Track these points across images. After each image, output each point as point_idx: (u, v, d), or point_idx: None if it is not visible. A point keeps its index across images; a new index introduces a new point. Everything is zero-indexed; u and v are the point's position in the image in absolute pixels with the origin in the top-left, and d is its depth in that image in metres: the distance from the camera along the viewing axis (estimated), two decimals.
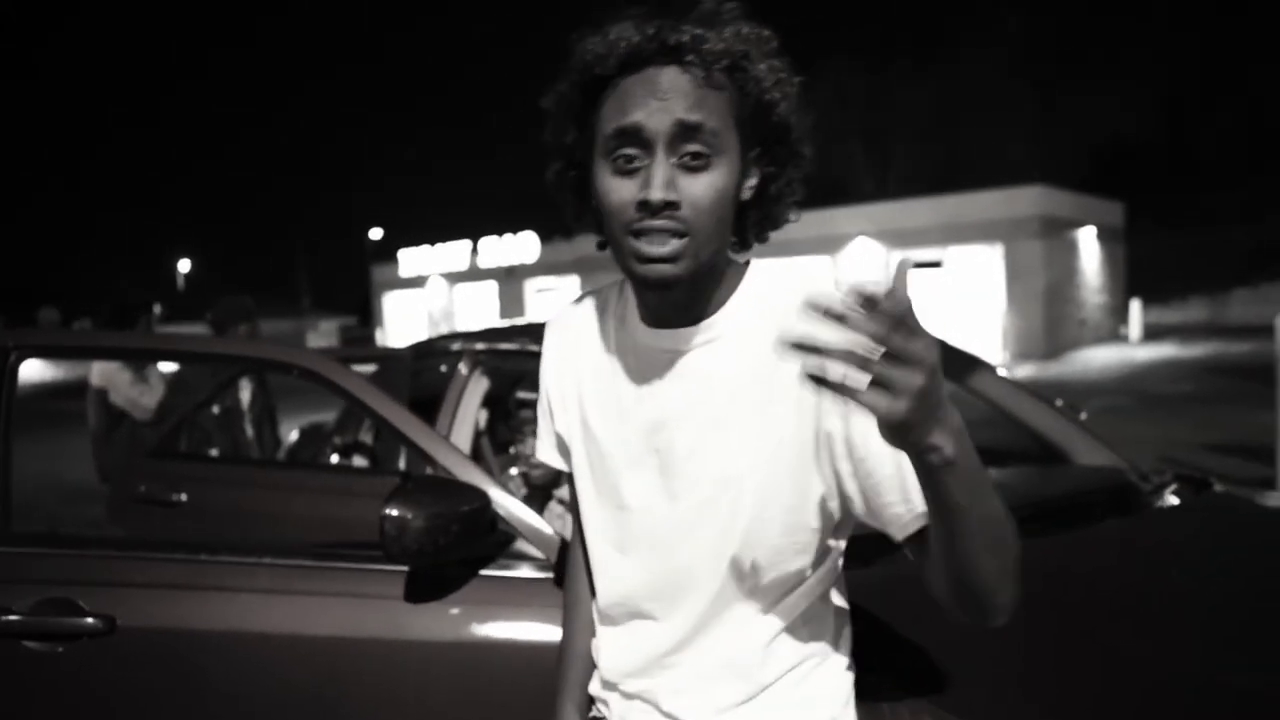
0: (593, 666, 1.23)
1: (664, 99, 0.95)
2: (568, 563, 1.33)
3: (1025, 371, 17.17)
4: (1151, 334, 22.94)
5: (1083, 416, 2.99)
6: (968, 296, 20.50)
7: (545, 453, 1.26)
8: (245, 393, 4.39)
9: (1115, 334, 23.59)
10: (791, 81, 1.03)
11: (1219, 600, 1.62)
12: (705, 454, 1.06)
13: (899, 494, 0.98)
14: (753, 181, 1.05)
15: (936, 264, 21.10)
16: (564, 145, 1.06)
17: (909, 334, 0.74)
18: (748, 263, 1.13)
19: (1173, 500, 2.26)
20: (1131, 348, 21.04)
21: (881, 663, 1.32)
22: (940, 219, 20.70)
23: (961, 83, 35.28)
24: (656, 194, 0.95)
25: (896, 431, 0.79)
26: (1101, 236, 23.23)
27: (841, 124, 34.25)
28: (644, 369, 1.10)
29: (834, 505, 1.05)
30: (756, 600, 1.08)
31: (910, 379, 0.75)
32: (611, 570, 1.16)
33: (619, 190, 0.98)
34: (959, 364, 2.89)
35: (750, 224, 1.09)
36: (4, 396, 1.92)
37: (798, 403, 1.01)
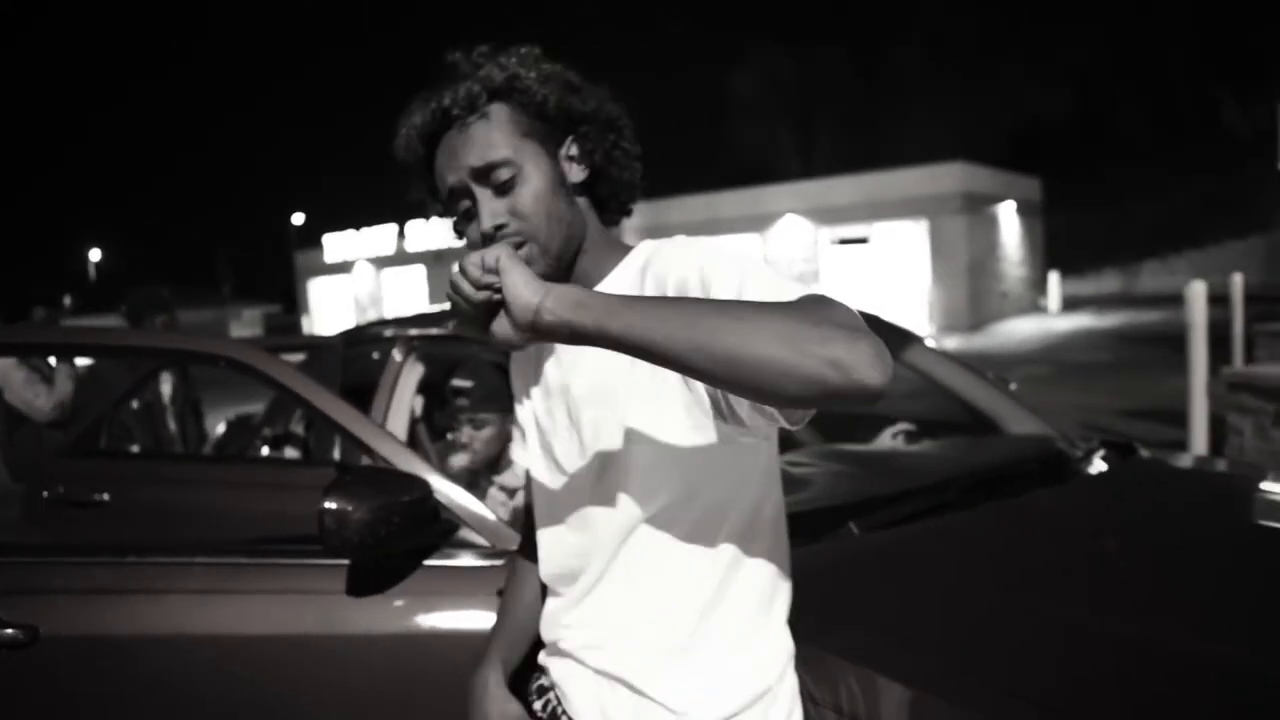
0: (528, 627, 1.34)
1: (456, 157, 1.10)
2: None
3: (951, 344, 17.62)
4: (1069, 305, 23.73)
5: (1013, 387, 3.07)
6: (894, 271, 20.92)
7: (516, 450, 1.34)
8: (166, 386, 4.24)
9: (1035, 306, 24.34)
10: (560, 76, 1.14)
11: (1155, 563, 1.67)
12: (604, 410, 1.13)
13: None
14: (580, 165, 1.16)
15: (863, 240, 21.46)
16: (432, 193, 1.20)
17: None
18: (641, 245, 1.19)
19: (1101, 466, 2.33)
20: (1051, 318, 21.75)
21: (830, 632, 1.33)
22: (866, 196, 21.05)
23: (884, 63, 35.81)
24: (485, 224, 1.09)
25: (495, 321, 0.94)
26: (1021, 211, 23.89)
27: (768, 106, 34.53)
28: (552, 355, 1.20)
29: (721, 424, 1.07)
30: (674, 554, 1.11)
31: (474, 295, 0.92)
32: (546, 539, 1.24)
33: (471, 234, 1.14)
34: (889, 337, 2.94)
35: (604, 198, 1.19)
36: None
37: None
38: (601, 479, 1.13)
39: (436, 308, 3.49)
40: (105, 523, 2.77)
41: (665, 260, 1.10)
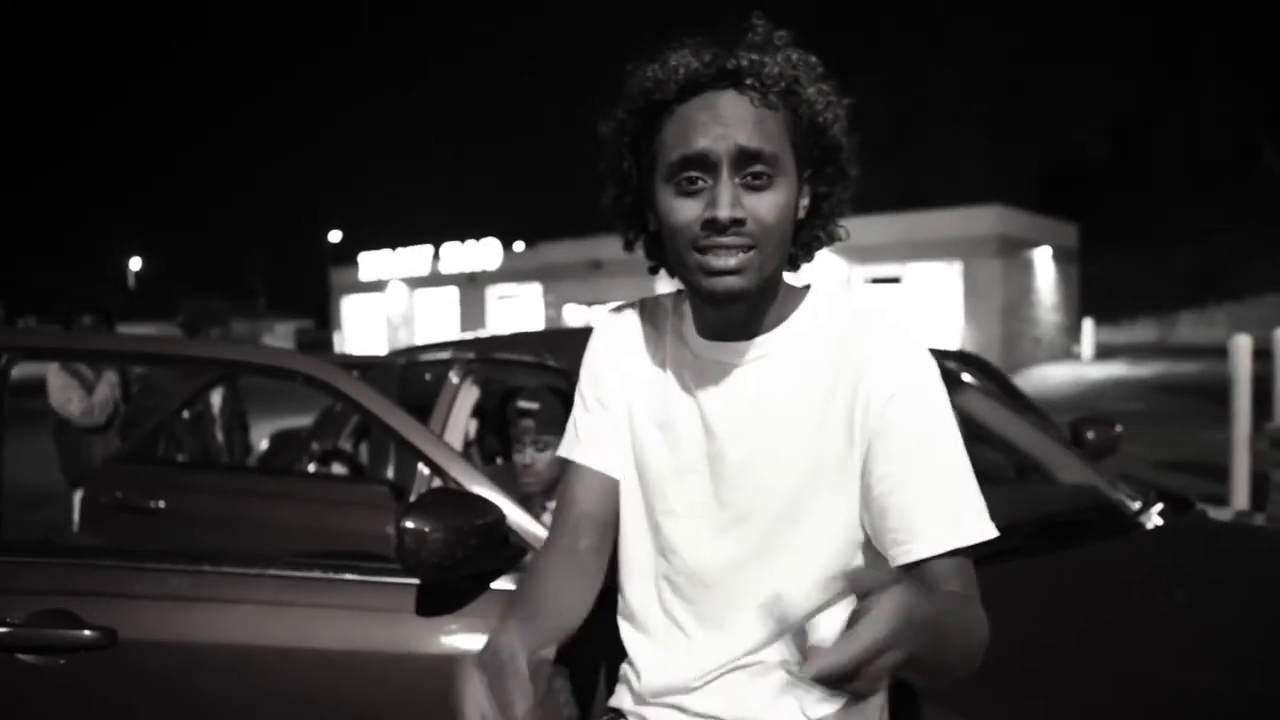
0: (560, 619, 1.14)
1: (726, 125, 0.99)
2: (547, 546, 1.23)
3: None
4: (1103, 353, 23.50)
5: (1118, 431, 3.06)
6: (926, 312, 20.83)
7: (577, 451, 1.22)
8: (216, 397, 4.31)
9: (1068, 352, 24.12)
10: (841, 104, 1.07)
11: (1221, 618, 1.66)
12: (756, 466, 1.08)
13: (914, 527, 1.01)
14: (805, 201, 1.08)
15: (896, 280, 21.41)
16: (620, 171, 1.09)
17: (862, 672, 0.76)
18: (809, 286, 1.15)
19: (1158, 520, 2.31)
20: (1084, 366, 21.54)
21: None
22: (900, 236, 21.03)
23: (920, 104, 35.89)
24: (724, 212, 0.98)
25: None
26: (1056, 256, 23.76)
27: None
28: (697, 380, 1.13)
29: (857, 529, 1.08)
30: (791, 614, 1.07)
31: (870, 686, 0.77)
32: (650, 572, 1.18)
33: (684, 210, 1.01)
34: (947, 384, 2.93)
35: (801, 243, 1.12)
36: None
37: (847, 425, 1.05)
38: (745, 534, 1.09)
39: (470, 332, 3.54)
40: (159, 529, 2.82)
41: (864, 350, 1.05)
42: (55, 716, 1.66)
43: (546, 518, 2.67)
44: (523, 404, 2.45)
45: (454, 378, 2.84)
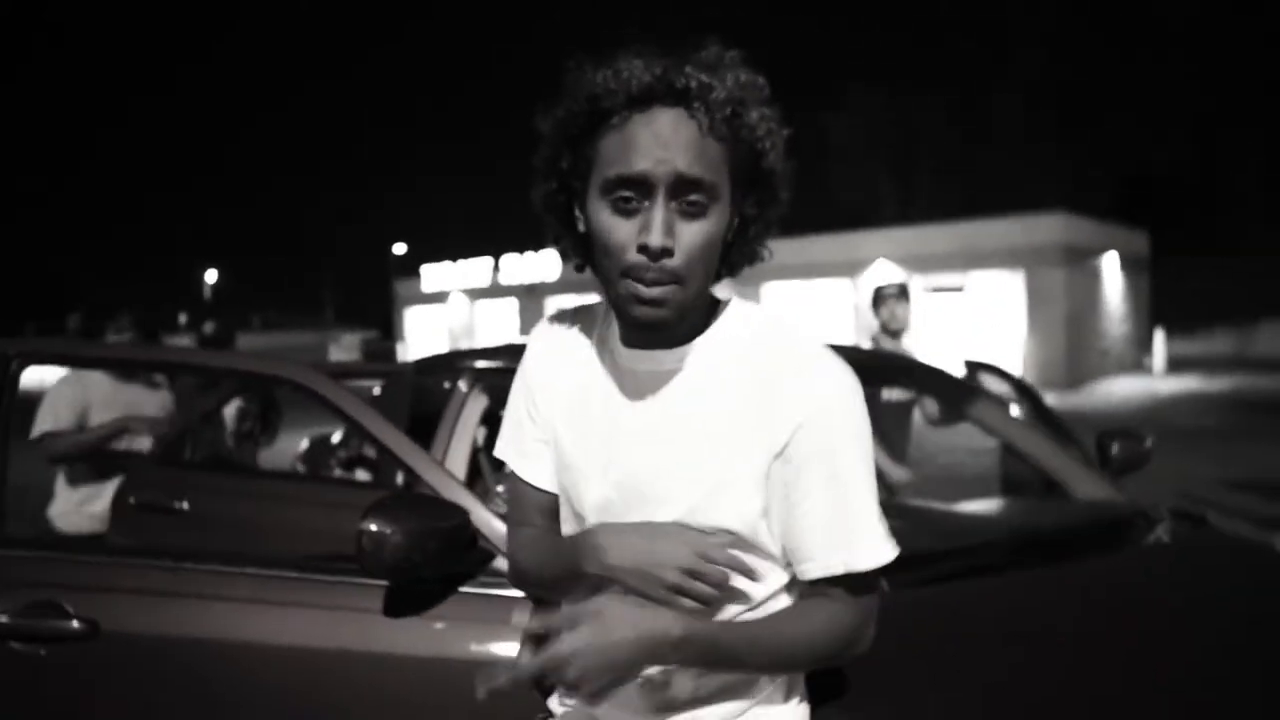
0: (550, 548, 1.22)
1: (667, 149, 0.99)
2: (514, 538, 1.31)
3: (1045, 400, 17.02)
4: (1175, 365, 22.67)
5: (1147, 445, 2.97)
6: (989, 322, 20.39)
7: (503, 451, 1.28)
8: (231, 408, 4.42)
9: (1138, 365, 23.34)
10: (780, 131, 1.07)
11: (1193, 638, 1.60)
12: (659, 473, 1.10)
13: (821, 541, 1.08)
14: (735, 222, 1.09)
15: (958, 289, 21.00)
16: (557, 169, 1.09)
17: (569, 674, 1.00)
18: (729, 300, 1.16)
19: (1163, 537, 2.24)
20: (1154, 379, 20.81)
21: (876, 700, 1.32)
22: (962, 244, 20.64)
23: (986, 110, 35.24)
24: (656, 239, 0.99)
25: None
26: (1125, 265, 23.05)
27: (864, 151, 34.31)
28: (616, 387, 1.14)
29: (766, 536, 1.10)
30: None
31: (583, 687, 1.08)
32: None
33: (618, 230, 1.02)
34: (962, 396, 2.88)
35: (728, 261, 1.12)
36: (3, 403, 1.96)
37: (755, 440, 1.07)
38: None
39: (514, 341, 3.58)
40: (183, 529, 2.92)
41: (777, 364, 1.07)
42: (43, 702, 1.74)
43: None
44: None
45: (463, 386, 2.88)
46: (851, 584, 1.09)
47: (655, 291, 1.01)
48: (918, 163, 35.29)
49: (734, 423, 1.07)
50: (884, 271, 21.52)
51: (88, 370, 3.54)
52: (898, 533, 2.09)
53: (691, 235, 1.00)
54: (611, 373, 1.15)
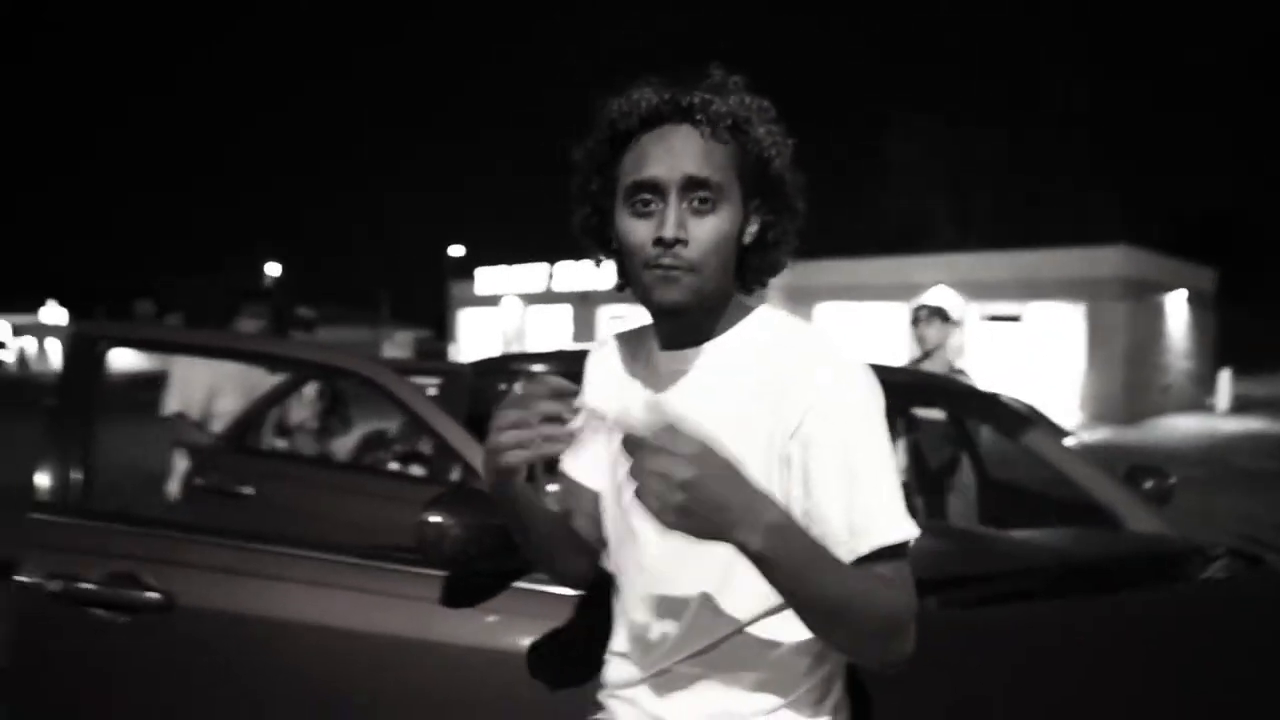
0: (568, 535, 1.33)
1: (676, 155, 1.13)
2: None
3: (1102, 435, 16.65)
4: (1240, 406, 21.99)
5: (1172, 481, 2.93)
6: (1046, 353, 20.02)
7: (569, 464, 1.36)
8: (301, 398, 4.53)
9: (1201, 403, 22.69)
10: (786, 144, 1.19)
11: (1243, 675, 1.59)
12: None
13: (843, 524, 1.09)
14: (753, 228, 1.21)
15: (1015, 318, 20.67)
16: (589, 193, 1.23)
17: (659, 456, 0.94)
18: (758, 306, 1.25)
19: (1218, 574, 2.22)
20: (1218, 418, 20.22)
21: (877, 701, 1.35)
22: (1020, 273, 20.31)
23: (1047, 140, 34.70)
24: (669, 231, 1.12)
25: (680, 526, 0.96)
26: (1191, 301, 22.48)
27: (922, 175, 33.98)
28: (652, 387, 1.25)
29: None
30: (735, 614, 1.16)
31: (668, 494, 0.93)
32: (621, 570, 1.30)
33: (637, 230, 1.15)
34: (1013, 422, 2.88)
35: (750, 268, 1.24)
36: (91, 383, 2.07)
37: (768, 435, 1.13)
38: (685, 565, 1.17)
39: (571, 346, 3.65)
40: (246, 513, 3.04)
41: (794, 368, 1.13)
42: (121, 669, 1.84)
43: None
44: None
45: (518, 388, 2.96)
46: (881, 567, 1.09)
47: (672, 276, 1.13)
48: (976, 189, 34.83)
49: (745, 420, 1.14)
50: (940, 296, 21.27)
51: None
52: (945, 556, 2.11)
53: (702, 229, 1.13)
54: (649, 375, 1.26)
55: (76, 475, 1.96)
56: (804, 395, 1.11)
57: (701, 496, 0.93)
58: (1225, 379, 21.97)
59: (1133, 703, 1.44)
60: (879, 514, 1.09)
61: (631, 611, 1.26)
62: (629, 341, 1.35)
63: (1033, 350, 20.20)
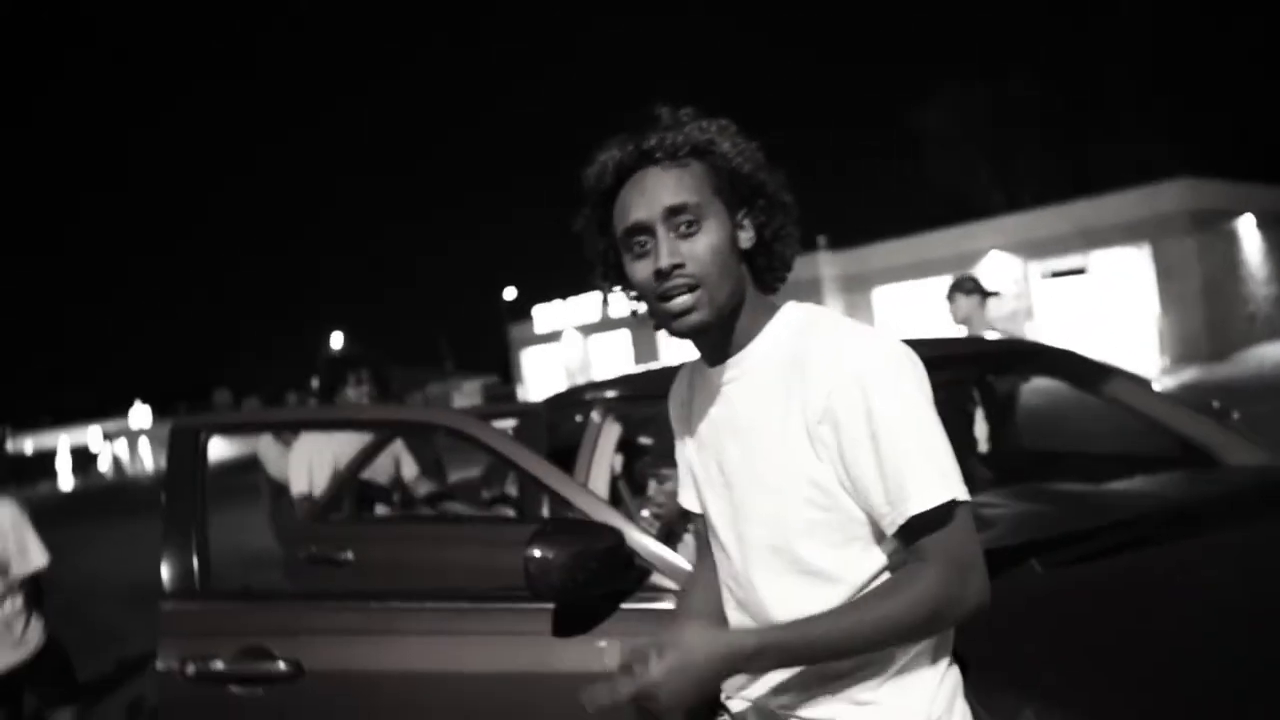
0: (709, 599, 1.42)
1: (651, 194, 1.22)
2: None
3: (1188, 376, 16.09)
4: None
5: (1235, 417, 2.86)
6: (1116, 302, 19.47)
7: (684, 497, 1.48)
8: (387, 457, 4.62)
9: None
10: (752, 149, 1.27)
11: None
12: (740, 471, 1.28)
13: (881, 497, 1.16)
14: (749, 233, 1.28)
15: (1080, 271, 20.15)
16: (598, 252, 1.34)
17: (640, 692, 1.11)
18: (782, 306, 1.32)
19: None
20: None
21: (1012, 673, 1.35)
22: (1078, 224, 19.83)
23: (1088, 81, 33.80)
24: (663, 261, 1.21)
25: (681, 707, 1.13)
26: (1264, 224, 21.63)
27: (966, 140, 33.38)
28: (704, 402, 1.36)
29: (844, 499, 1.20)
30: (813, 594, 1.21)
31: (659, 708, 1.12)
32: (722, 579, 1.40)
33: (640, 270, 1.25)
34: (1093, 374, 2.83)
35: (762, 269, 1.31)
36: (197, 472, 2.18)
37: (802, 431, 1.20)
38: (750, 527, 1.28)
39: (634, 371, 3.70)
40: (350, 577, 3.13)
41: (816, 355, 1.20)
42: None
43: (687, 539, 2.78)
44: (641, 440, 2.57)
45: (595, 417, 3.01)
46: (927, 534, 1.14)
47: (679, 301, 1.21)
48: (1022, 145, 34.05)
49: (785, 418, 1.21)
50: (997, 263, 20.83)
51: None
52: (1044, 516, 2.08)
53: (694, 247, 1.21)
54: (703, 393, 1.36)
55: (195, 561, 2.06)
56: (825, 377, 1.17)
57: (677, 693, 1.10)
58: None
59: (1254, 635, 1.41)
60: (909, 479, 1.13)
61: (731, 617, 1.36)
62: (691, 367, 1.46)
63: (1103, 301, 19.66)
